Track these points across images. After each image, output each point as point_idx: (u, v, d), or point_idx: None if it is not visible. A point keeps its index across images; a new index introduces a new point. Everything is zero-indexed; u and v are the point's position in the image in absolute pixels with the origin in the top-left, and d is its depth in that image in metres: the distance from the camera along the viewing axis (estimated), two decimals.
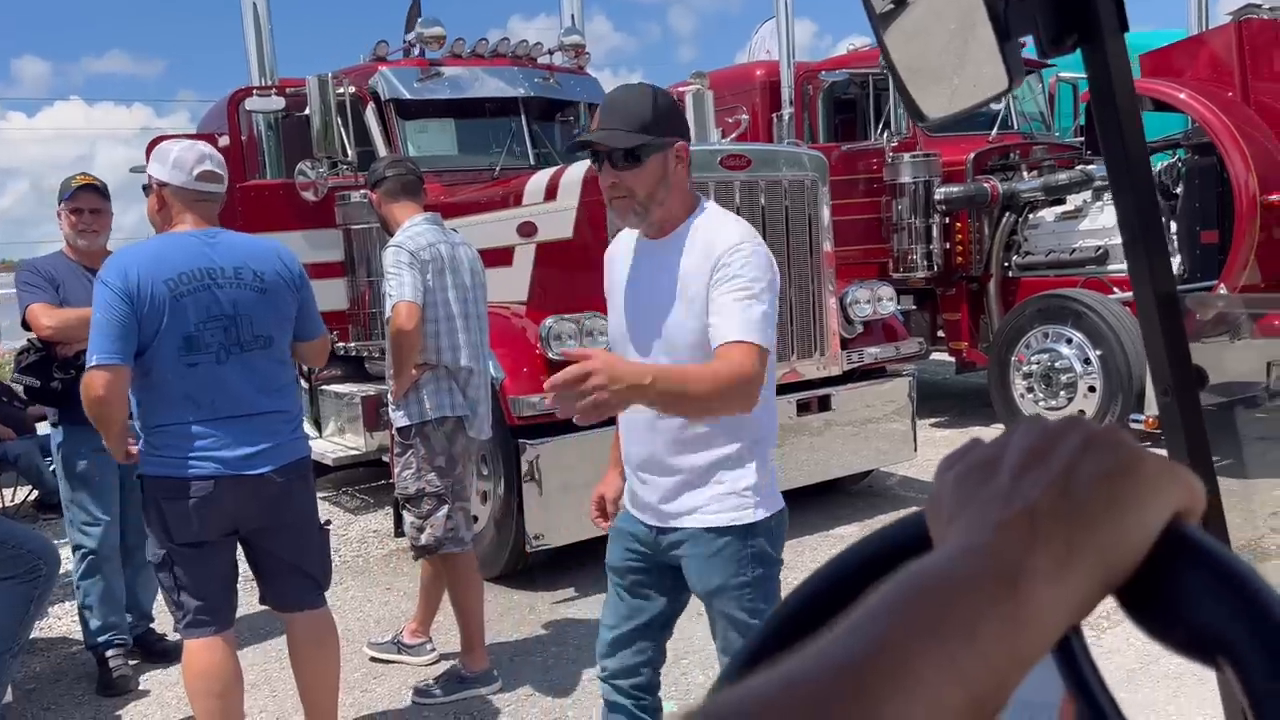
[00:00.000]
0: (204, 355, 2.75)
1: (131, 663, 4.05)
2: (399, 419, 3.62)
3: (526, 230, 5.15)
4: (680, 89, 7.46)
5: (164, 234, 2.87)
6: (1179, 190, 6.60)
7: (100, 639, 3.95)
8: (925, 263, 7.57)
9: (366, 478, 6.84)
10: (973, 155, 7.67)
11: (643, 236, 2.29)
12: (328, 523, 3.22)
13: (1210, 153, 6.19)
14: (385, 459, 3.92)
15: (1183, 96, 6.29)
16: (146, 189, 3.02)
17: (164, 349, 2.72)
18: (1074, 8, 0.73)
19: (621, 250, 2.37)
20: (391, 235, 3.77)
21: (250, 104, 6.10)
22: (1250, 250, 5.99)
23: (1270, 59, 6.26)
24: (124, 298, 2.65)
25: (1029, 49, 0.78)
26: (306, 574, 3.03)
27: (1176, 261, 6.54)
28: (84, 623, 4.00)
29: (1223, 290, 6.05)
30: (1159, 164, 7.01)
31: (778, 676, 0.33)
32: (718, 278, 2.14)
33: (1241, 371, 6.09)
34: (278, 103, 6.01)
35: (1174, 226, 6.62)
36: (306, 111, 5.87)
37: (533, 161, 6.36)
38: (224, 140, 6.27)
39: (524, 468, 4.43)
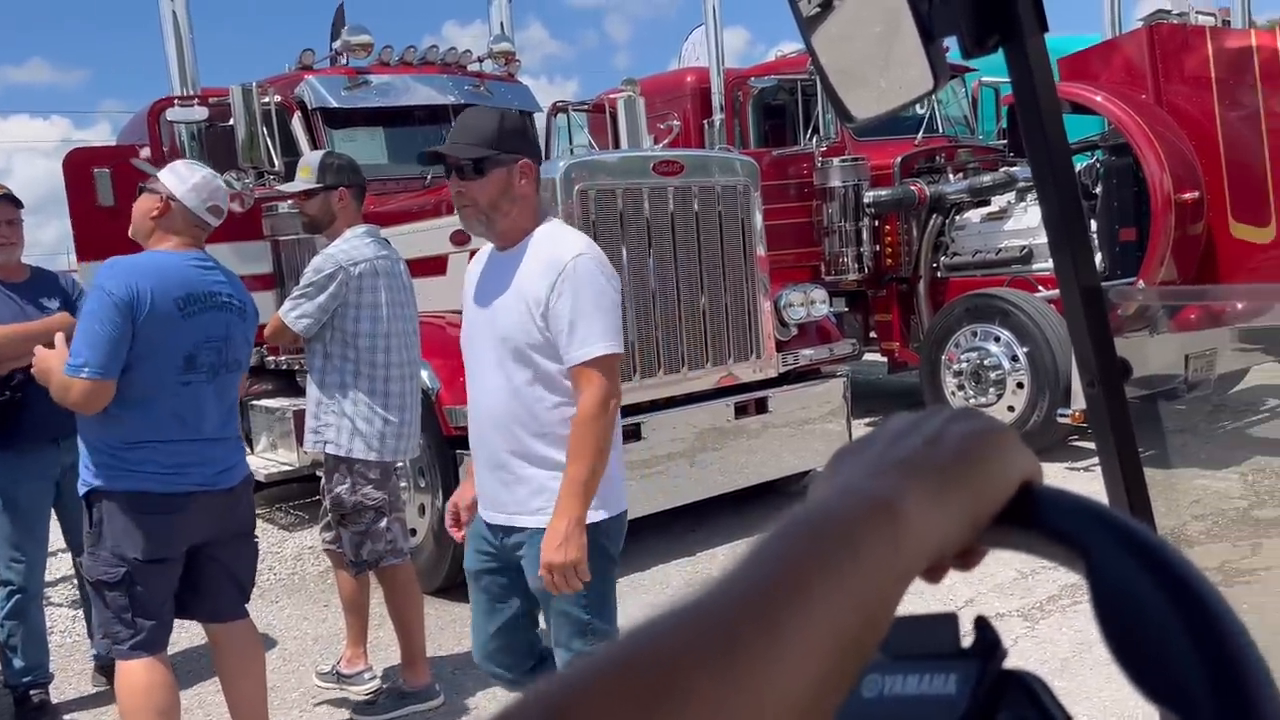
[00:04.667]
0: (198, 375, 2.83)
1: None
2: (330, 448, 3.56)
3: (460, 239, 5.10)
4: (612, 96, 7.49)
5: (161, 251, 2.89)
6: (1098, 190, 6.80)
7: (24, 679, 3.81)
8: (856, 265, 7.69)
9: (300, 494, 6.71)
10: (900, 159, 7.82)
11: (495, 250, 2.46)
12: (255, 536, 3.21)
13: (1126, 153, 6.38)
14: (319, 474, 3.84)
15: (1099, 99, 6.49)
16: (142, 189, 3.00)
17: (161, 366, 2.75)
18: (995, 9, 0.75)
19: (475, 265, 2.53)
20: (323, 238, 3.71)
21: (172, 114, 5.95)
22: (1166, 247, 6.19)
23: (1180, 62, 6.48)
24: (126, 312, 2.68)
25: (954, 53, 0.80)
26: (238, 583, 3.08)
27: (1098, 259, 6.72)
28: (5, 661, 3.84)
29: (1142, 286, 6.25)
30: (1079, 165, 7.21)
31: (687, 609, 0.35)
32: (562, 288, 2.29)
33: (1161, 365, 6.28)
34: (200, 113, 5.87)
35: (1094, 225, 6.81)
36: (231, 122, 5.74)
37: None
38: (145, 152, 6.10)
39: (462, 478, 4.38)
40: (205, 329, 2.83)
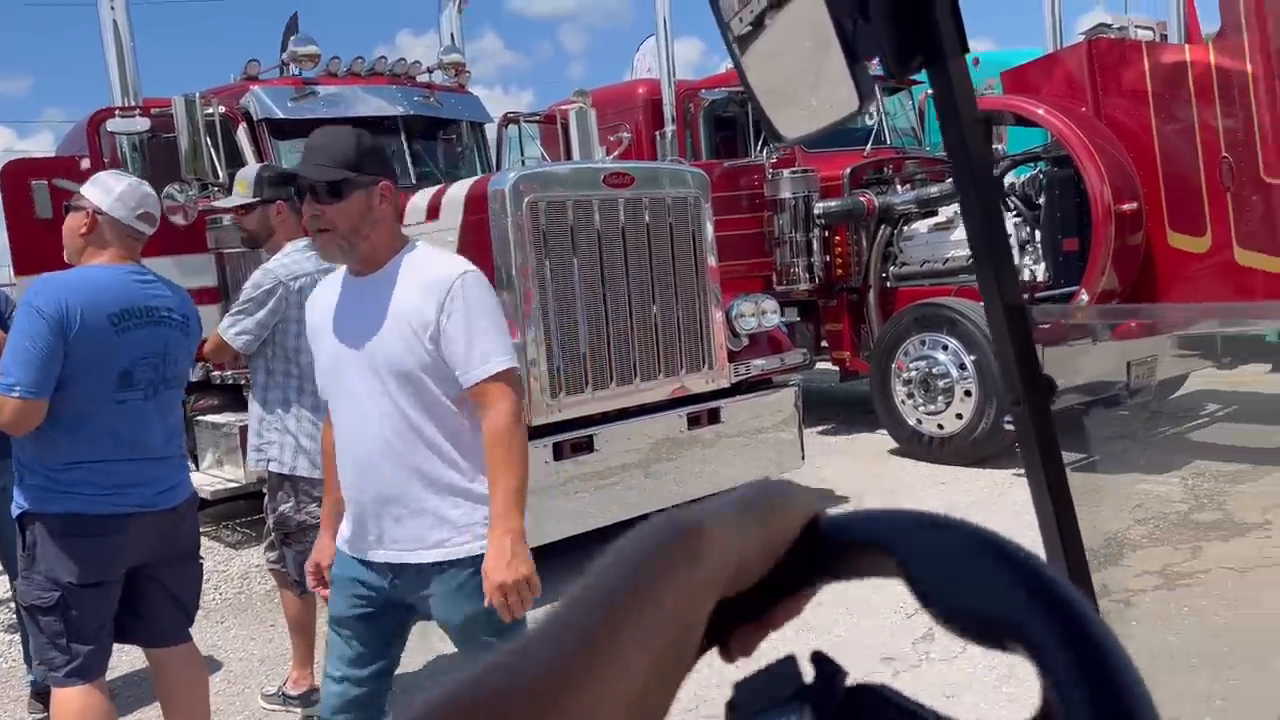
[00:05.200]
0: (135, 392, 2.76)
1: None
2: (273, 466, 3.50)
3: None
4: (564, 107, 7.48)
5: (94, 266, 2.82)
6: (1041, 201, 6.93)
7: None
8: (807, 275, 7.75)
9: (247, 511, 6.58)
10: (849, 170, 7.90)
11: (349, 275, 2.34)
12: (201, 557, 3.15)
13: (1068, 165, 6.51)
14: (265, 491, 3.79)
15: (1040, 112, 6.61)
16: (68, 208, 2.93)
17: (95, 383, 2.68)
18: (917, 31, 0.75)
19: (324, 294, 2.40)
20: (263, 252, 3.66)
21: (112, 125, 5.84)
22: (1107, 257, 6.32)
23: (1118, 76, 6.63)
24: (56, 329, 2.61)
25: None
26: (182, 606, 3.01)
27: (1042, 269, 6.85)
28: None
29: (1084, 295, 6.37)
30: (1022, 176, 7.34)
31: (496, 672, 0.39)
32: (452, 307, 2.21)
33: (1104, 372, 6.42)
34: (142, 124, 5.77)
35: (1038, 235, 6.94)
36: (173, 133, 5.65)
37: (414, 181, 6.26)
38: (85, 164, 5.98)
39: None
40: (142, 345, 2.77)
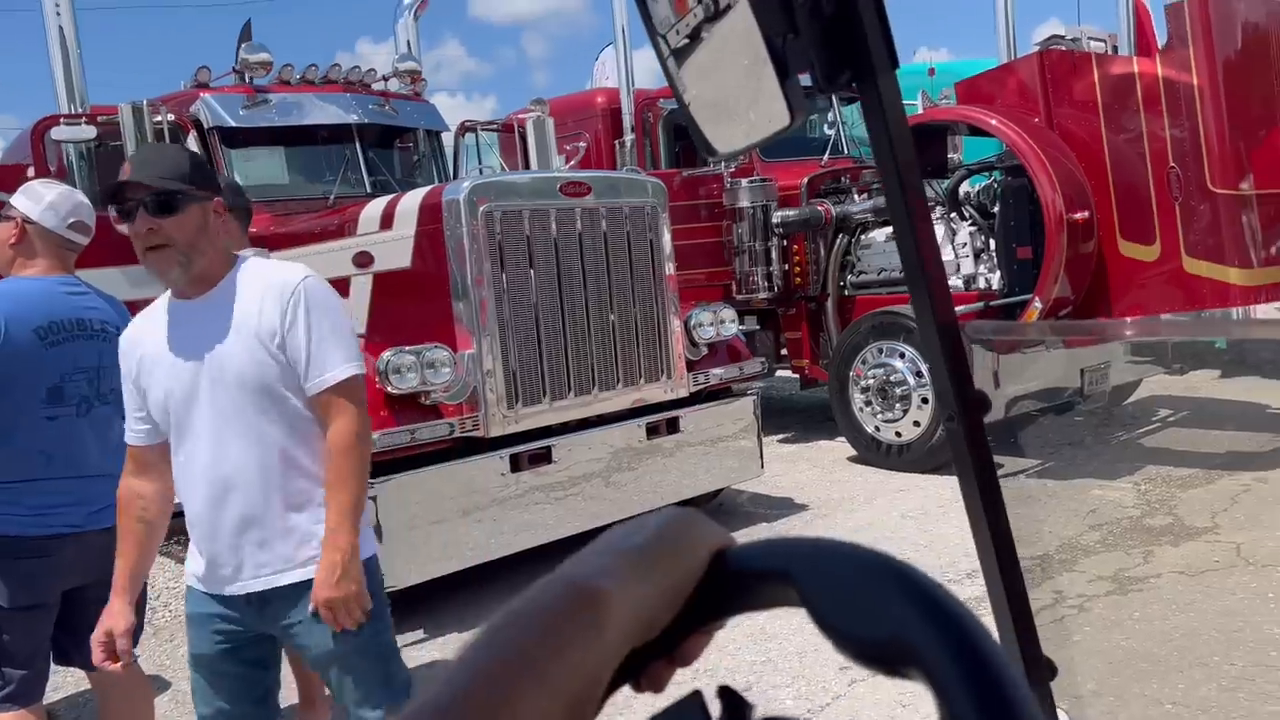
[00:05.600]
0: (65, 409, 2.67)
1: None
2: None
3: (362, 260, 5.02)
4: (521, 116, 7.46)
5: (23, 278, 2.74)
6: (996, 210, 7.01)
7: None
8: (766, 284, 7.78)
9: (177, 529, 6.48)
10: (806, 180, 7.95)
11: (175, 301, 2.23)
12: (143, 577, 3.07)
13: (1022, 174, 6.60)
14: None
15: (994, 122, 6.70)
16: None
17: (22, 399, 2.60)
18: (846, 47, 0.75)
19: (147, 328, 2.27)
20: None
21: (58, 133, 5.72)
22: (1060, 265, 6.41)
23: (1069, 87, 6.74)
24: None
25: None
26: None
27: (996, 277, 6.93)
28: None
29: (1037, 303, 6.45)
30: (977, 185, 7.43)
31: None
32: (295, 313, 2.16)
33: (1057, 378, 6.51)
34: (88, 132, 5.66)
35: (993, 244, 7.03)
36: (121, 141, 5.55)
37: (369, 189, 6.21)
38: (30, 172, 5.86)
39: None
40: (73, 359, 2.68)
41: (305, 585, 2.20)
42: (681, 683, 0.49)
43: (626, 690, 0.49)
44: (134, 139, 5.44)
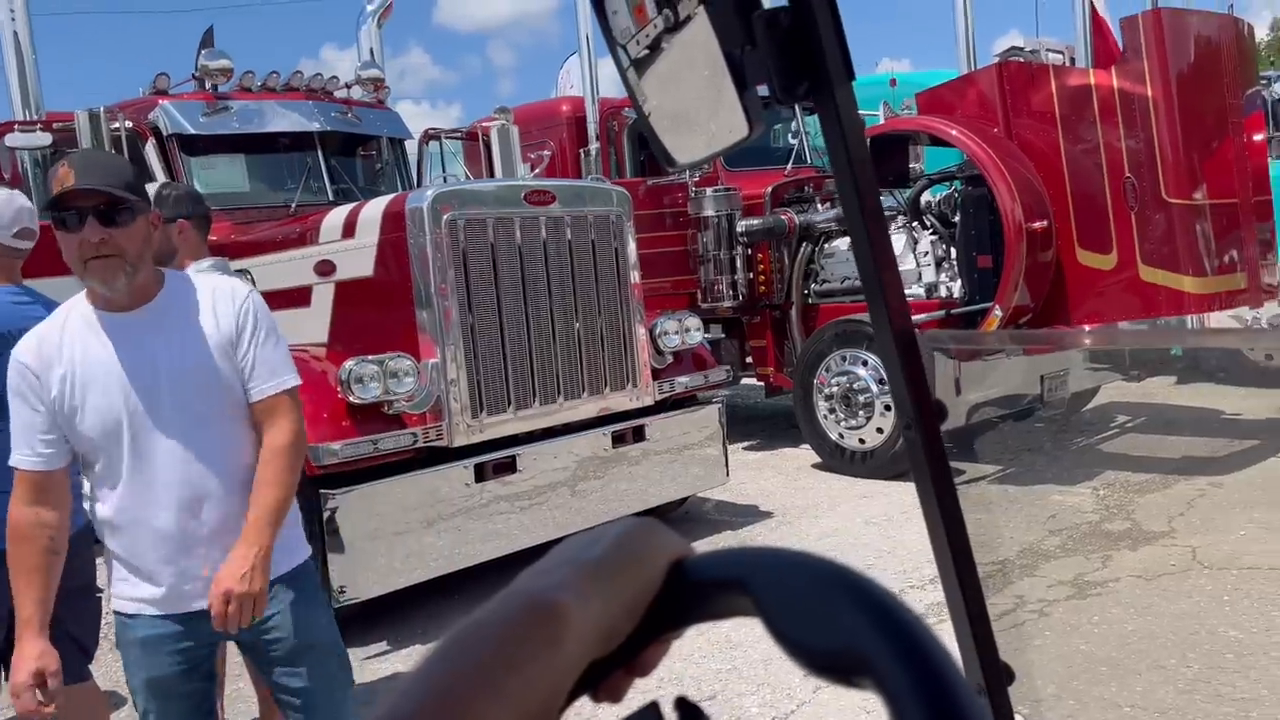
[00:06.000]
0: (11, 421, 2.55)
1: None
2: None
3: (324, 269, 4.97)
4: (486, 124, 7.44)
5: None
6: (956, 219, 7.10)
7: None
8: (731, 292, 7.81)
9: None
10: (770, 189, 8.00)
11: (107, 315, 2.15)
12: (99, 590, 3.01)
13: (981, 184, 6.68)
14: None
15: (954, 133, 6.78)
16: None
17: None
18: (803, 59, 0.75)
19: (59, 345, 2.14)
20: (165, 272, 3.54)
21: (12, 140, 5.62)
22: (1019, 274, 6.50)
23: (1027, 97, 6.84)
24: None
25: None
26: (78, 643, 2.89)
27: (958, 285, 7.01)
28: None
29: (998, 311, 6.53)
30: (937, 194, 7.52)
31: None
32: (245, 322, 2.21)
33: (1017, 385, 6.59)
34: (43, 138, 5.57)
35: (954, 253, 7.11)
36: (77, 148, 5.46)
37: (331, 197, 6.16)
38: None
39: (325, 518, 4.23)
40: None
41: (280, 580, 2.25)
42: (646, 691, 0.49)
43: (584, 701, 0.49)
44: (91, 146, 5.36)
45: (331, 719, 2.35)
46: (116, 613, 2.27)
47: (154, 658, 2.22)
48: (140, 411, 2.14)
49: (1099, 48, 7.83)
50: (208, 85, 6.20)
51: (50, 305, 2.81)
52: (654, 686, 0.49)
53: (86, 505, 2.99)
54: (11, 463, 2.18)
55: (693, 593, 0.49)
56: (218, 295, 2.22)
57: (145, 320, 2.17)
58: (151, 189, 3.59)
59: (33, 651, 2.10)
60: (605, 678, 0.48)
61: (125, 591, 2.24)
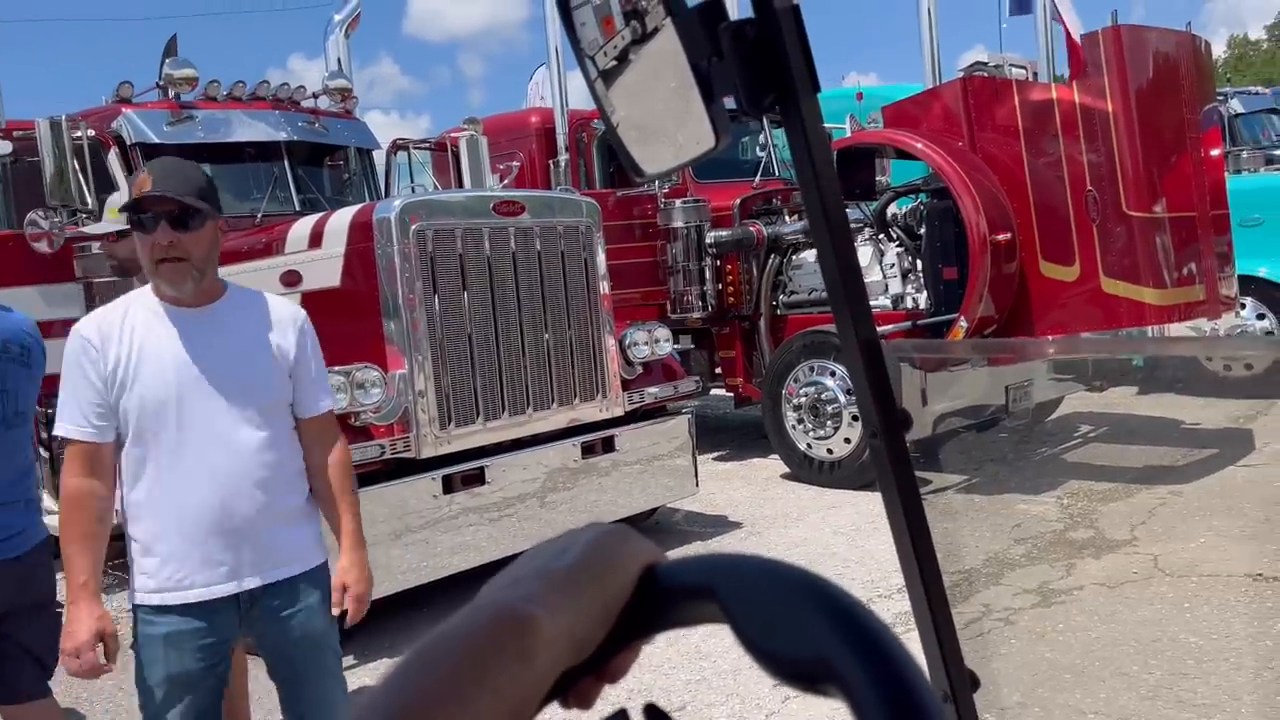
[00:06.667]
0: None
1: None
2: None
3: (290, 280, 4.93)
4: (454, 134, 7.43)
5: None
6: (922, 231, 7.17)
7: None
8: (700, 303, 7.83)
9: (122, 553, 6.26)
10: (739, 201, 8.04)
11: (175, 309, 2.30)
12: (59, 604, 2.95)
13: (946, 197, 6.76)
14: None
15: (919, 145, 6.86)
16: None
17: None
18: (769, 71, 0.76)
19: (122, 326, 2.27)
20: (135, 280, 3.50)
21: None
22: (984, 285, 6.57)
23: (991, 112, 6.94)
24: None
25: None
26: (38, 659, 2.82)
27: (924, 297, 7.08)
28: None
29: (963, 322, 6.60)
30: (903, 207, 7.59)
31: None
32: (303, 341, 2.42)
33: (983, 395, 6.66)
34: (3, 147, 5.50)
35: (919, 265, 7.18)
36: (38, 156, 5.39)
37: (298, 207, 6.12)
38: None
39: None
40: None
41: (302, 577, 2.39)
42: (613, 701, 0.49)
43: (554, 707, 0.49)
44: (52, 154, 5.29)
45: (329, 711, 2.46)
46: (138, 607, 2.32)
47: (178, 652, 2.28)
48: (188, 399, 2.26)
49: (1074, 65, 7.94)
50: (171, 94, 6.14)
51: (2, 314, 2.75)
52: (623, 697, 0.49)
53: (47, 519, 2.95)
54: (60, 432, 2.26)
55: (663, 599, 0.49)
56: (279, 311, 2.42)
57: (206, 316, 2.31)
58: (124, 197, 3.56)
59: (92, 613, 2.22)
60: (575, 684, 0.48)
61: (149, 584, 2.30)
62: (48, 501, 5.41)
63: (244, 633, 2.40)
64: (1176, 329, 6.40)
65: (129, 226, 3.47)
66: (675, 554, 0.53)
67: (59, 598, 2.96)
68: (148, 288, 2.34)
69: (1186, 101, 6.52)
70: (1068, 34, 7.66)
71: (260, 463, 2.32)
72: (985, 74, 7.63)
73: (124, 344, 2.25)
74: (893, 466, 0.83)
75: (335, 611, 2.41)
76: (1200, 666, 3.62)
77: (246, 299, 2.42)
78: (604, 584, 0.49)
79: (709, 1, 0.77)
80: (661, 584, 0.50)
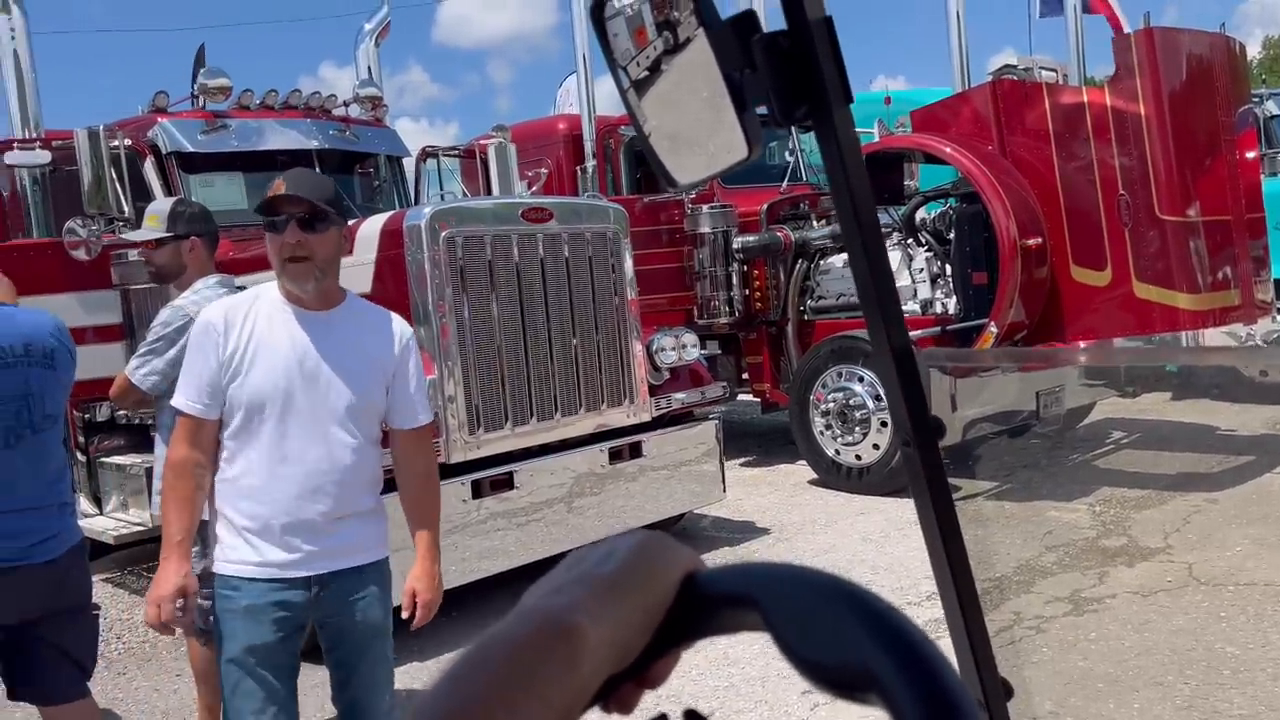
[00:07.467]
0: None
1: None
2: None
3: None
4: (483, 142, 7.47)
5: None
6: (951, 236, 7.13)
7: None
8: (727, 309, 7.83)
9: (151, 555, 6.34)
10: (766, 206, 8.03)
11: (295, 308, 2.43)
12: (97, 606, 3.00)
13: (976, 201, 6.72)
14: None
15: (948, 150, 6.82)
16: None
17: None
18: (803, 81, 0.77)
19: (245, 316, 2.41)
20: (173, 288, 3.55)
21: (11, 158, 5.64)
22: (1014, 290, 6.52)
23: (1021, 116, 6.89)
24: None
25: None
26: (75, 662, 2.85)
27: (953, 302, 7.04)
28: None
29: (993, 327, 6.55)
30: (932, 212, 7.55)
31: None
32: (406, 356, 2.53)
33: (1014, 401, 6.60)
34: (43, 156, 5.59)
35: (949, 270, 7.14)
36: (76, 166, 5.48)
37: None
38: None
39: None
40: None
41: (367, 568, 2.51)
42: (644, 708, 0.50)
43: (594, 712, 0.49)
44: (90, 164, 5.37)
45: (379, 695, 2.58)
46: (218, 577, 2.45)
47: (256, 624, 2.40)
48: (294, 393, 2.40)
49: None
50: (204, 103, 6.23)
51: (28, 318, 2.75)
52: (652, 704, 0.50)
53: (86, 522, 3.00)
54: (175, 404, 2.43)
55: (704, 607, 0.50)
56: (388, 326, 2.54)
57: (322, 319, 2.44)
58: (165, 206, 3.62)
59: (180, 570, 2.38)
60: (616, 690, 0.49)
61: (231, 555, 2.43)
62: (84, 504, 5.51)
63: (312, 617, 2.50)
64: (1211, 334, 6.31)
65: (169, 235, 3.53)
66: (704, 560, 0.53)
67: (98, 600, 3.01)
68: (276, 283, 2.48)
69: (1221, 103, 6.45)
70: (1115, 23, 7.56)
71: (346, 464, 2.45)
72: (1015, 77, 7.57)
73: (244, 334, 2.40)
74: (926, 474, 0.84)
75: (404, 615, 2.53)
76: (1237, 677, 3.57)
77: (362, 309, 2.56)
78: (646, 591, 0.49)
79: (742, 13, 0.78)
80: (702, 592, 0.50)
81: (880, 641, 0.42)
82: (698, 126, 0.87)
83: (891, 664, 0.41)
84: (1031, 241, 6.52)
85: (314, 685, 4.27)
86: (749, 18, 0.78)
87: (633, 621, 0.48)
